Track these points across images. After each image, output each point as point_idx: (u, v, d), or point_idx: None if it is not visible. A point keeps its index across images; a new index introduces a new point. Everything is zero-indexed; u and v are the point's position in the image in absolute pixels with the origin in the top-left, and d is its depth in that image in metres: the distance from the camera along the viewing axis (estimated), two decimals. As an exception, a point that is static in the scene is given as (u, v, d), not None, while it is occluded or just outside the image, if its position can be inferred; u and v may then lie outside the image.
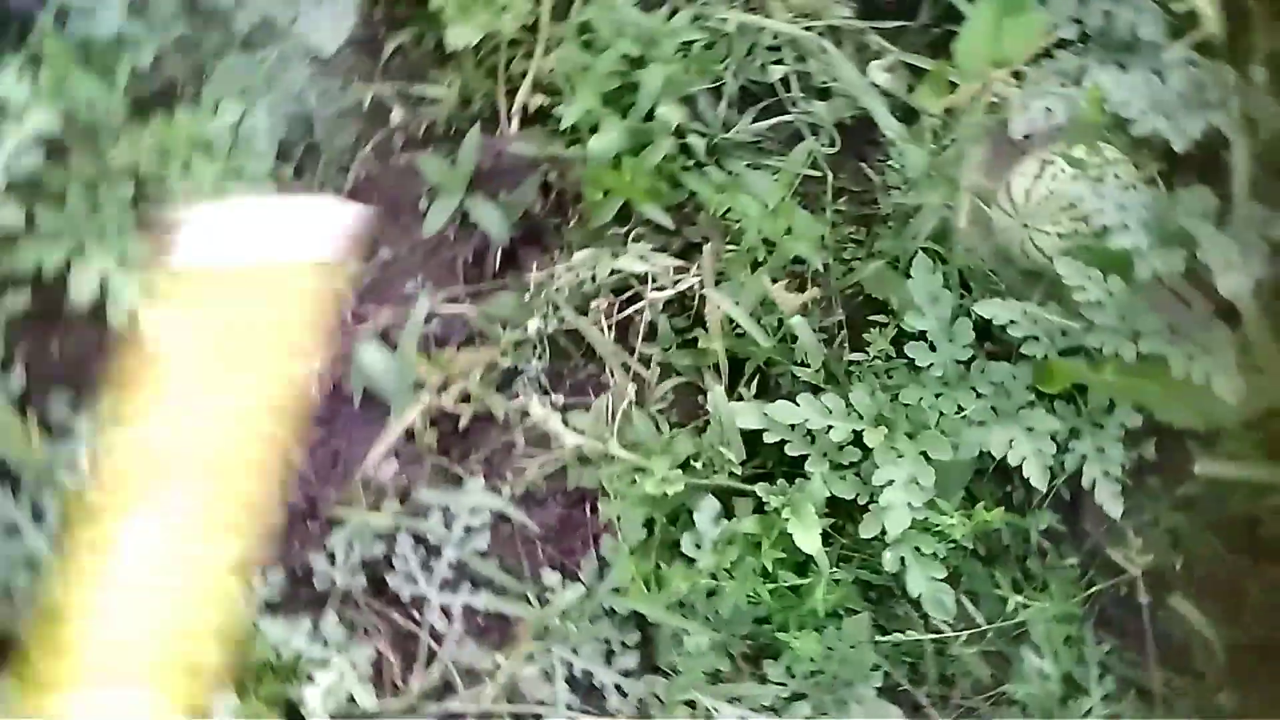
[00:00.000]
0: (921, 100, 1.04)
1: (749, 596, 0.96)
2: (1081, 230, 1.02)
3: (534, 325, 1.05)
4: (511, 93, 1.15)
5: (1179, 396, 0.97)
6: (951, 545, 0.98)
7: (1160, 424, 1.01)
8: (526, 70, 1.14)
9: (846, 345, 1.08)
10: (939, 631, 1.00)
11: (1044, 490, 0.96)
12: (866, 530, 0.98)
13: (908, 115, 1.10)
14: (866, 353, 1.05)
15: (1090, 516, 1.06)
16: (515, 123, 1.13)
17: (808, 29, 1.14)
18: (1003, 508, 1.01)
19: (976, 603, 1.03)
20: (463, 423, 1.02)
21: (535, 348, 1.06)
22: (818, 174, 1.14)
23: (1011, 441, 0.97)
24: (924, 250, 1.04)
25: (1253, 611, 1.02)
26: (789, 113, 1.15)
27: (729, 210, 1.08)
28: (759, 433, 0.99)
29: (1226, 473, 0.95)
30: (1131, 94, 0.98)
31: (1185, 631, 1.02)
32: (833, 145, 1.15)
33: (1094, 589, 1.03)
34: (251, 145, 0.97)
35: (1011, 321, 0.98)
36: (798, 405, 0.98)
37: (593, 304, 1.08)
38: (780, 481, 1.00)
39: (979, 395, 1.00)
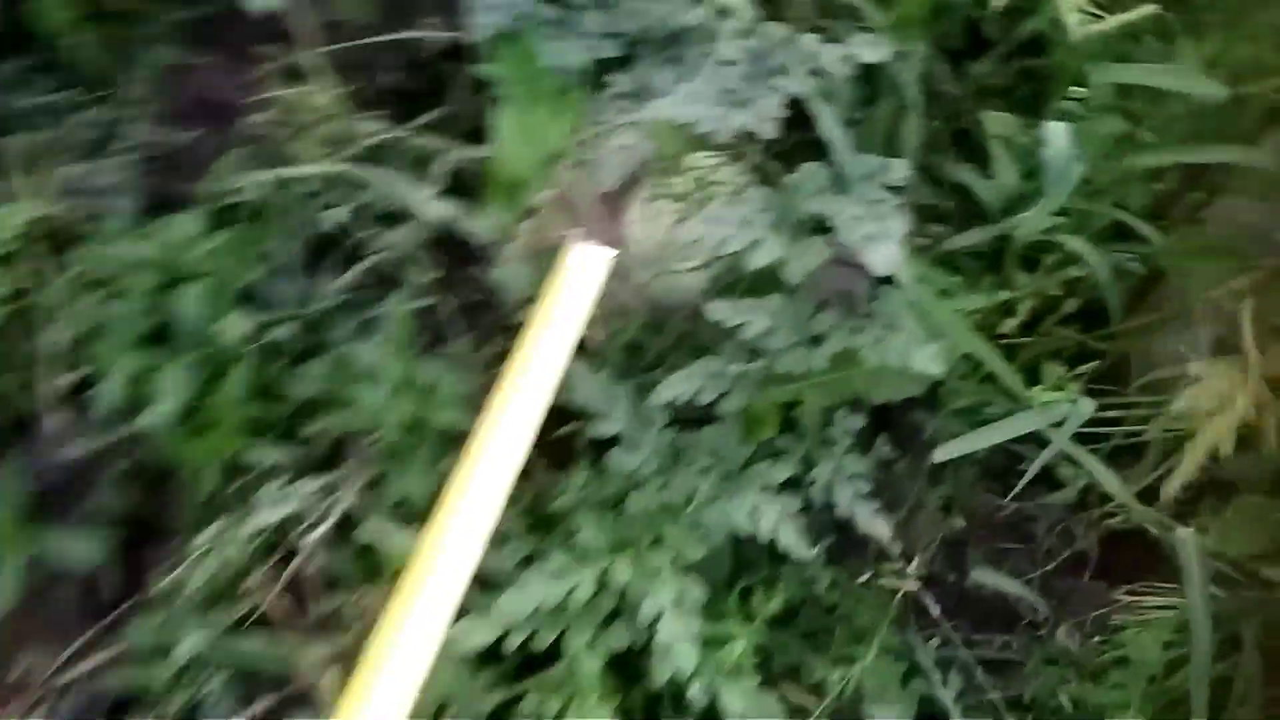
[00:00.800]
0: (494, 213, 0.90)
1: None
2: (718, 255, 0.92)
3: (187, 645, 0.85)
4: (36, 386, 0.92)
5: (883, 377, 0.90)
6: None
7: (884, 405, 0.95)
8: (38, 354, 0.91)
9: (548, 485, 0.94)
10: (779, 736, 0.90)
11: (807, 553, 0.87)
12: (658, 679, 0.85)
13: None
14: (567, 484, 0.91)
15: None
16: (55, 420, 0.90)
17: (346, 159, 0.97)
18: (779, 567, 0.92)
19: (798, 675, 0.93)
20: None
21: (203, 670, 0.85)
22: (434, 301, 0.99)
23: (754, 510, 0.88)
24: (582, 347, 0.91)
25: (1048, 539, 0.98)
26: (366, 256, 0.98)
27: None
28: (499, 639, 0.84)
29: (961, 448, 0.89)
30: (695, 104, 0.89)
31: (997, 589, 0.97)
32: (437, 269, 0.99)
33: (897, 594, 0.96)
34: None
35: (696, 390, 0.88)
36: (526, 587, 0.84)
37: (247, 582, 0.88)
38: (546, 671, 0.86)
39: (702, 471, 0.90)
